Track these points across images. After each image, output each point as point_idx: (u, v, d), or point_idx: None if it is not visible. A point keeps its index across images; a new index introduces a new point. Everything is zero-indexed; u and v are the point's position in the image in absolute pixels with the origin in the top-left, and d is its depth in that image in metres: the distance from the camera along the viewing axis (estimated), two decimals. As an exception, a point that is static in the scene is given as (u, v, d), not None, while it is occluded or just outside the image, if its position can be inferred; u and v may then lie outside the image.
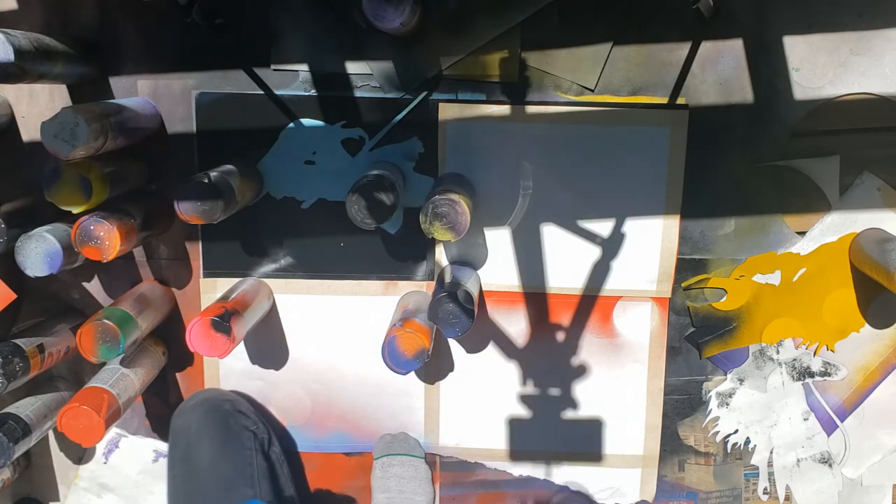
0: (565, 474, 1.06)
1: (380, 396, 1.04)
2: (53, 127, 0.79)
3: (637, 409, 1.04)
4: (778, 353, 1.02)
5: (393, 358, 0.88)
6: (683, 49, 0.93)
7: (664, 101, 0.95)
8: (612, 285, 1.00)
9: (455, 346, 1.03)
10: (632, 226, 0.97)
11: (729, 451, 1.06)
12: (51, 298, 1.02)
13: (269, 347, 1.03)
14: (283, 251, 1.00)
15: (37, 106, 0.96)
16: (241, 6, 0.93)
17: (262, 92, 0.95)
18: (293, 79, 0.95)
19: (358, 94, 0.95)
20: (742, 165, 0.96)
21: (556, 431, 1.05)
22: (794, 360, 1.02)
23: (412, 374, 1.01)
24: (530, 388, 1.03)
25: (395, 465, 1.00)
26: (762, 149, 0.96)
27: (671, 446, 1.06)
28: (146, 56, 0.95)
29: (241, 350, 1.03)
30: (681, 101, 0.94)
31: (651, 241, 0.98)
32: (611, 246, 0.98)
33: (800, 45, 0.93)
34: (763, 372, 1.03)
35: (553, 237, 0.98)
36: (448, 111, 0.95)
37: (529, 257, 0.99)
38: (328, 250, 1.00)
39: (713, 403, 1.04)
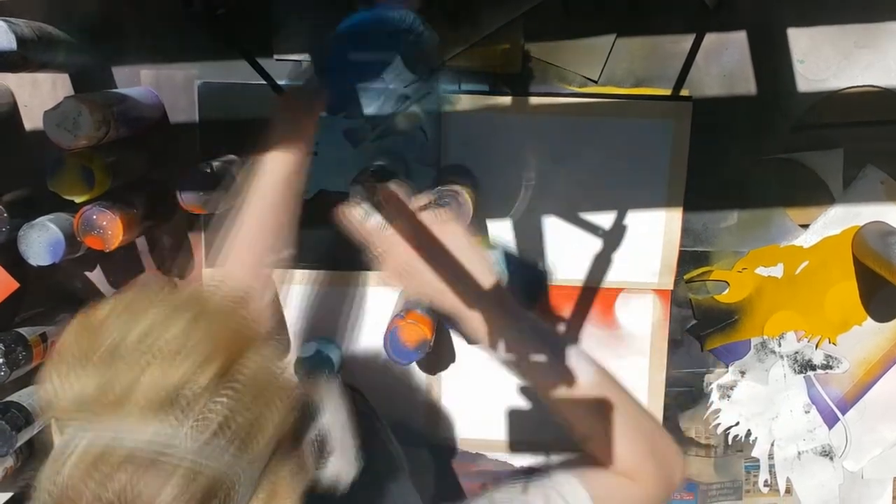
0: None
1: (381, 387, 1.04)
2: (56, 116, 0.79)
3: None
4: (780, 345, 1.02)
5: (395, 349, 0.88)
6: (687, 41, 0.93)
7: (667, 92, 0.94)
8: (613, 277, 1.00)
9: (456, 337, 1.03)
10: (634, 218, 0.97)
11: (730, 443, 1.06)
12: (53, 288, 1.02)
13: (271, 338, 1.03)
14: (285, 242, 1.00)
15: (39, 95, 0.96)
16: (243, -4, 0.93)
17: (264, 82, 0.95)
18: (295, 69, 0.95)
19: (360, 84, 0.95)
20: (745, 158, 0.96)
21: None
22: (796, 352, 1.02)
23: (413, 364, 1.01)
24: (532, 380, 1.03)
25: None
26: (765, 141, 0.95)
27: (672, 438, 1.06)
28: (148, 46, 0.95)
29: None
30: (684, 93, 0.94)
31: (653, 233, 0.98)
32: (613, 238, 0.98)
33: (804, 37, 0.92)
34: (765, 364, 1.03)
35: (555, 229, 0.98)
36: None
37: (531, 248, 0.99)
38: (330, 241, 0.99)
39: (714, 395, 1.04)
